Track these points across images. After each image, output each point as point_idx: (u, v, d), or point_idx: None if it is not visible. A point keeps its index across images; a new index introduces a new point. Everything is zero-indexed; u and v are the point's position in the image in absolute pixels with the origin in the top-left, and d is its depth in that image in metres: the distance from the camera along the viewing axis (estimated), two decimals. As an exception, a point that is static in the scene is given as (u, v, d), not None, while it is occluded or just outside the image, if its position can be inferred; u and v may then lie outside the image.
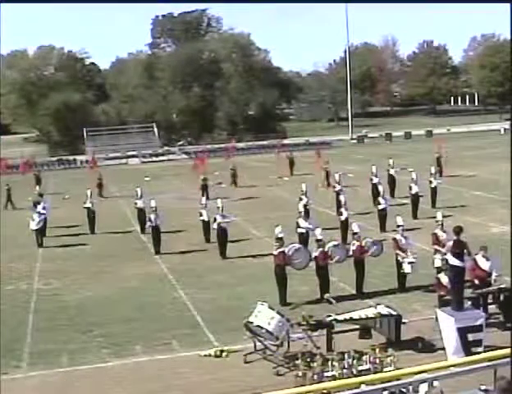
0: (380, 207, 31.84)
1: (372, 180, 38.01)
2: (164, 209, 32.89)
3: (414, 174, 35.20)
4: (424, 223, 30.03)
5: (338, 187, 35.82)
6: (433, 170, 36.93)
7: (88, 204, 34.91)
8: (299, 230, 27.53)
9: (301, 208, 29.85)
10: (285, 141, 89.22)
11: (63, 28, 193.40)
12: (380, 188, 33.79)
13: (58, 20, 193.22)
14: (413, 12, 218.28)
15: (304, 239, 26.46)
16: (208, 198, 38.28)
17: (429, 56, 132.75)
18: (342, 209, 30.00)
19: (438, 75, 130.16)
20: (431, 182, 36.34)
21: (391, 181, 39.76)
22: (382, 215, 31.51)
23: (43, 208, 34.13)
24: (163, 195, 38.92)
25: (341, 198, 31.31)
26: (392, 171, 40.01)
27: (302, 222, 27.84)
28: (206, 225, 30.62)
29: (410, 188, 34.60)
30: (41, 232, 32.87)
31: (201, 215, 30.78)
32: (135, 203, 33.31)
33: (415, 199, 34.46)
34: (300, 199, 32.22)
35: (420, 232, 28.12)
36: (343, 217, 29.60)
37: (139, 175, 54.28)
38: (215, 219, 28.37)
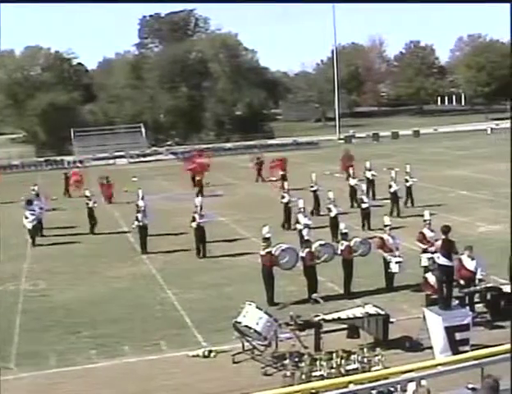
0: (363, 205, 32.25)
1: (349, 180, 38.12)
2: (152, 210, 32.91)
3: (393, 173, 35.58)
4: (399, 222, 30.30)
5: (315, 187, 36.16)
6: (408, 169, 37.23)
7: (91, 204, 34.88)
8: (298, 226, 27.96)
9: (301, 205, 29.92)
10: (273, 141, 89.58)
11: (50, 28, 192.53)
12: (363, 187, 34.08)
13: (45, 20, 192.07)
14: (399, 13, 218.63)
15: (302, 235, 26.74)
16: (202, 195, 40.33)
17: (416, 56, 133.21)
18: (331, 206, 30.29)
19: (425, 75, 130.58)
20: (407, 181, 36.72)
21: (369, 183, 39.52)
22: (366, 214, 31.97)
23: (40, 208, 34.70)
24: (151, 196, 38.83)
25: (318, 197, 31.54)
26: (369, 174, 39.85)
27: (301, 218, 28.25)
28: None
29: (390, 186, 34.97)
30: (35, 231, 33.08)
31: (195, 213, 30.80)
32: (136, 205, 32.80)
33: (394, 197, 34.85)
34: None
35: (398, 231, 28.26)
36: (332, 214, 30.00)
37: (127, 175, 54.22)
38: (194, 219, 28.49)
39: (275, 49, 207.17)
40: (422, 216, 23.69)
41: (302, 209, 29.03)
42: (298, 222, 28.50)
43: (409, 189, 36.72)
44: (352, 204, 36.32)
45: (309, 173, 43.60)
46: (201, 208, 28.86)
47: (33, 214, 33.14)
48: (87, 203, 35.07)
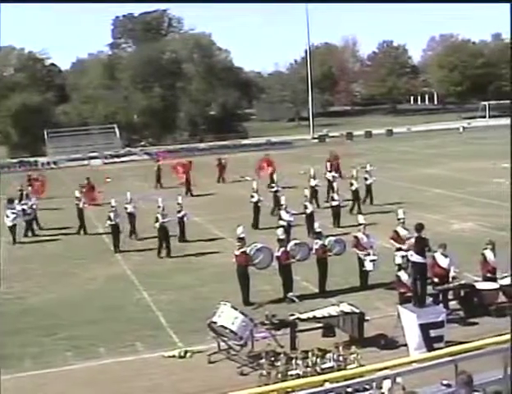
0: (334, 203, 32.64)
1: (310, 181, 38.19)
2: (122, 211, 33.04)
3: (355, 171, 36.20)
4: (369, 220, 30.70)
5: (275, 188, 36.28)
6: (368, 167, 37.56)
7: (80, 205, 34.80)
8: (281, 222, 28.44)
9: (283, 201, 30.30)
10: (247, 141, 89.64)
11: (23, 28, 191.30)
12: (334, 185, 34.42)
13: (18, 20, 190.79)
14: (372, 13, 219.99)
15: (285, 231, 27.06)
16: (191, 195, 44.23)
17: (389, 56, 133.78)
18: (307, 203, 30.78)
19: (398, 74, 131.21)
20: (366, 179, 37.17)
21: (328, 184, 38.72)
22: (336, 212, 32.39)
23: (31, 208, 35.33)
24: (125, 196, 38.80)
25: (278, 198, 32.67)
26: (329, 176, 39.50)
27: (284, 215, 28.96)
28: (181, 223, 31.23)
29: (351, 184, 35.28)
30: (15, 229, 33.46)
31: (178, 212, 31.10)
32: (125, 208, 32.42)
33: (355, 195, 35.30)
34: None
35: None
36: (308, 211, 30.52)
37: (101, 176, 53.92)
38: (157, 219, 28.81)
39: (248, 49, 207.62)
40: (383, 213, 23.86)
41: (284, 206, 29.60)
42: (281, 218, 29.07)
43: (368, 187, 37.15)
44: (318, 205, 36.18)
45: (283, 172, 43.97)
46: (164, 209, 29.31)
47: (14, 213, 33.58)
48: (77, 204, 35.02)
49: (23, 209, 34.79)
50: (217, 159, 53.75)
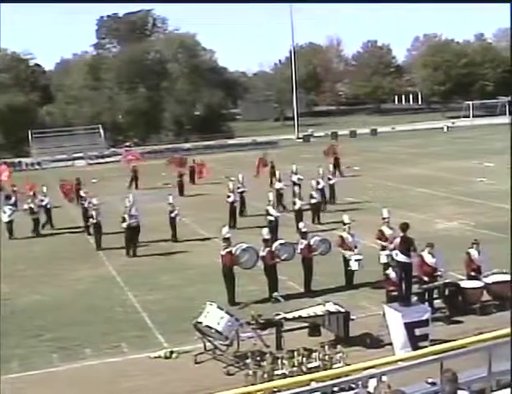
0: (313, 201, 33.06)
1: (273, 183, 38.14)
2: (111, 210, 33.09)
3: (321, 170, 36.81)
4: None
5: (241, 188, 36.32)
6: (331, 167, 37.95)
7: (86, 204, 34.65)
8: (269, 217, 29.10)
9: (271, 197, 30.76)
10: (232, 141, 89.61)
11: (7, 29, 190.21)
12: (313, 183, 34.56)
13: (1, 21, 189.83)
14: (357, 12, 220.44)
15: (273, 226, 27.59)
16: (182, 194, 44.36)
17: (373, 55, 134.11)
18: (296, 199, 31.51)
19: (382, 74, 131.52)
20: (330, 179, 37.81)
21: (294, 186, 37.51)
22: (315, 209, 32.95)
23: (39, 206, 35.51)
24: (110, 197, 38.72)
25: (244, 198, 34.83)
26: (295, 178, 38.99)
27: (271, 210, 29.51)
28: (172, 221, 31.45)
29: (318, 183, 35.51)
30: (11, 225, 34.22)
31: (171, 213, 31.29)
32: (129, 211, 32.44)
33: (322, 194, 35.57)
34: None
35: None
36: (297, 207, 31.25)
37: (86, 176, 53.73)
38: (124, 219, 28.94)
39: (233, 49, 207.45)
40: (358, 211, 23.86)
41: (271, 202, 30.11)
42: (269, 214, 29.51)
43: (331, 186, 37.60)
44: (283, 207, 35.71)
45: (268, 171, 43.98)
46: (130, 209, 29.48)
47: (11, 209, 34.62)
48: (82, 204, 35.14)
49: (30, 208, 35.07)
50: (192, 160, 54.15)
